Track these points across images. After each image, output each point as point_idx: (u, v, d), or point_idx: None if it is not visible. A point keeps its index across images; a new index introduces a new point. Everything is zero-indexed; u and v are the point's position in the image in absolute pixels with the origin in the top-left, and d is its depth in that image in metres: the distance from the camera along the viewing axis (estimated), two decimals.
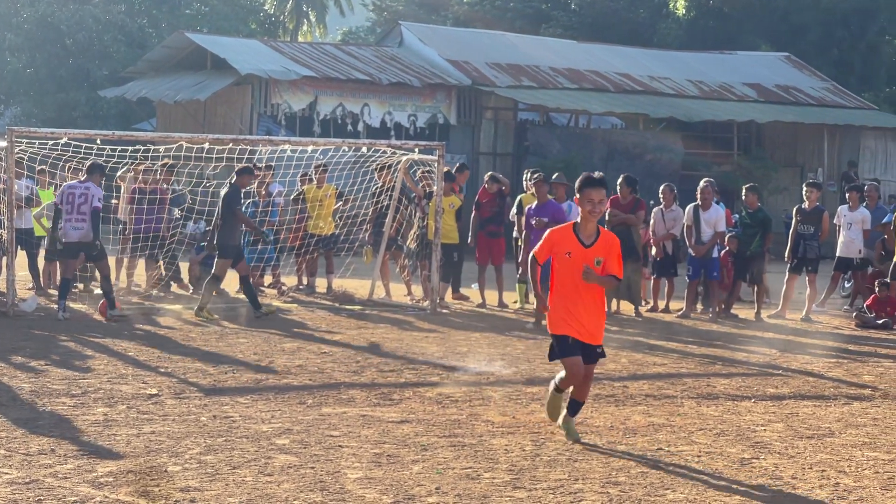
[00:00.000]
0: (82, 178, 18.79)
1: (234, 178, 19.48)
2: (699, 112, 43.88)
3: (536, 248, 10.56)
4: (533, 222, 19.58)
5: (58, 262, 19.75)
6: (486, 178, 22.14)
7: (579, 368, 10.40)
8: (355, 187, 23.57)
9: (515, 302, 21.63)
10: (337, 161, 23.68)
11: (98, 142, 20.20)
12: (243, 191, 19.87)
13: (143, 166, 21.43)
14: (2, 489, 8.34)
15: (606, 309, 20.46)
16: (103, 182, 19.14)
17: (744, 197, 21.74)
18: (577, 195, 10.22)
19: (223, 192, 19.43)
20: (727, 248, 21.81)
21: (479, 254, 21.88)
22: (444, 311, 20.66)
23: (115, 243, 22.20)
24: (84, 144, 20.16)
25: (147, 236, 21.10)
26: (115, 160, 20.96)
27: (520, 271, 21.39)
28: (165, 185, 21.77)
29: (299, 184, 23.12)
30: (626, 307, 21.15)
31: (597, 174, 10.34)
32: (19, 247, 19.89)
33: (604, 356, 10.86)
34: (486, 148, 41.92)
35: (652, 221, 21.86)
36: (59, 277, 19.47)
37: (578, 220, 10.31)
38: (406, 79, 40.65)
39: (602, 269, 10.23)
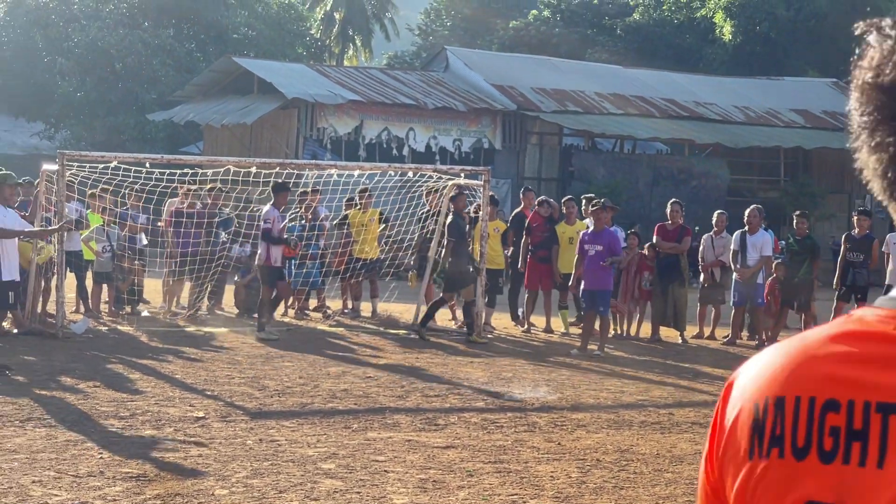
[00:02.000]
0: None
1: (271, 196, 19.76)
2: (745, 138, 43.76)
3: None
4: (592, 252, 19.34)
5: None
6: (536, 202, 22.09)
7: None
8: (401, 212, 23.62)
9: (568, 326, 21.64)
10: (383, 186, 23.75)
11: (147, 165, 20.37)
12: (282, 209, 19.91)
13: (184, 189, 21.56)
14: None
15: (653, 336, 20.51)
16: (286, 201, 19.75)
17: (794, 223, 21.64)
18: None
19: (447, 221, 19.89)
20: (774, 274, 21.71)
21: (528, 279, 21.81)
22: (489, 335, 20.64)
23: (162, 266, 22.36)
24: (133, 168, 20.34)
25: (191, 259, 21.19)
26: (163, 184, 21.12)
27: (560, 298, 21.52)
28: (214, 209, 21.88)
29: (345, 209, 23.19)
30: (671, 333, 21.07)
31: None
32: (68, 269, 20.05)
33: None
34: (530, 173, 41.96)
35: (701, 247, 21.78)
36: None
37: None
38: (451, 103, 40.77)
39: None
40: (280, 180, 20.52)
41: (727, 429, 1.81)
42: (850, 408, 1.65)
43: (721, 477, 1.82)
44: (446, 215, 21.69)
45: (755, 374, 1.80)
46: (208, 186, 21.98)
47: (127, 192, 21.29)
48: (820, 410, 1.68)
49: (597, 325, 18.86)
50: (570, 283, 20.04)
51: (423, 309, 21.96)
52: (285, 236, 19.80)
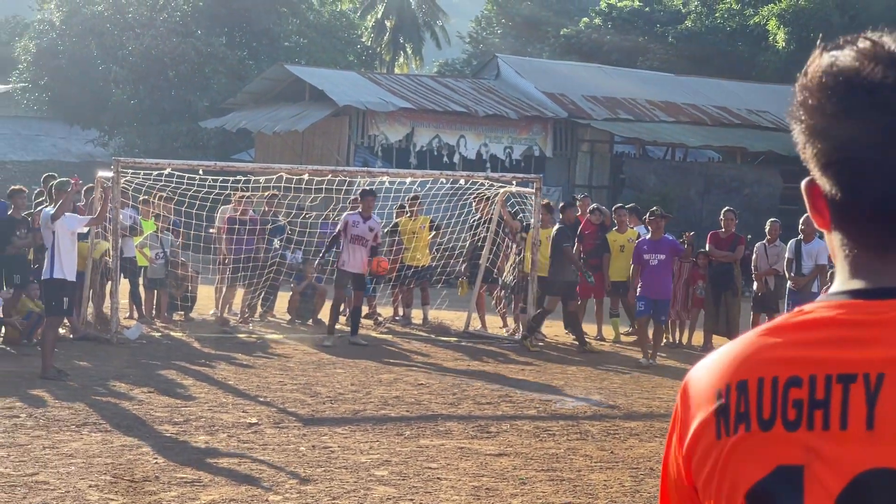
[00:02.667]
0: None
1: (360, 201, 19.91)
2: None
3: None
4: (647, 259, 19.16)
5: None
6: (588, 210, 22.01)
7: None
8: (452, 220, 23.62)
9: (624, 333, 21.59)
10: (434, 193, 23.77)
11: (200, 172, 20.50)
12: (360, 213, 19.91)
13: (237, 196, 21.67)
14: None
15: (705, 344, 20.38)
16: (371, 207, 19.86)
17: None
18: None
19: (553, 231, 19.86)
20: (829, 283, 21.53)
21: (580, 287, 21.73)
22: (540, 343, 20.61)
23: (215, 272, 22.48)
24: (186, 175, 20.47)
25: (245, 266, 21.30)
26: (216, 191, 21.25)
27: (611, 305, 21.53)
28: (269, 215, 21.99)
29: (395, 216, 23.21)
30: (723, 342, 20.90)
31: None
32: (122, 275, 20.19)
33: None
34: (581, 180, 41.89)
35: (755, 256, 21.63)
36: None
37: None
38: (502, 111, 40.77)
39: None
40: (367, 187, 20.64)
41: (691, 422, 1.92)
42: (812, 382, 1.81)
43: (688, 471, 1.93)
44: (498, 223, 21.70)
45: (711, 367, 1.93)
46: (266, 193, 22.10)
47: (157, 196, 21.36)
48: (783, 387, 1.82)
49: (651, 333, 18.74)
50: (629, 292, 19.87)
51: (475, 316, 21.96)
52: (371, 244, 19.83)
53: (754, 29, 56.87)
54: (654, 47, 58.00)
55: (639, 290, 18.66)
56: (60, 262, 14.86)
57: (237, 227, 21.44)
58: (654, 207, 22.15)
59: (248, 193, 21.98)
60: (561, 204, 20.71)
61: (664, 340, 21.00)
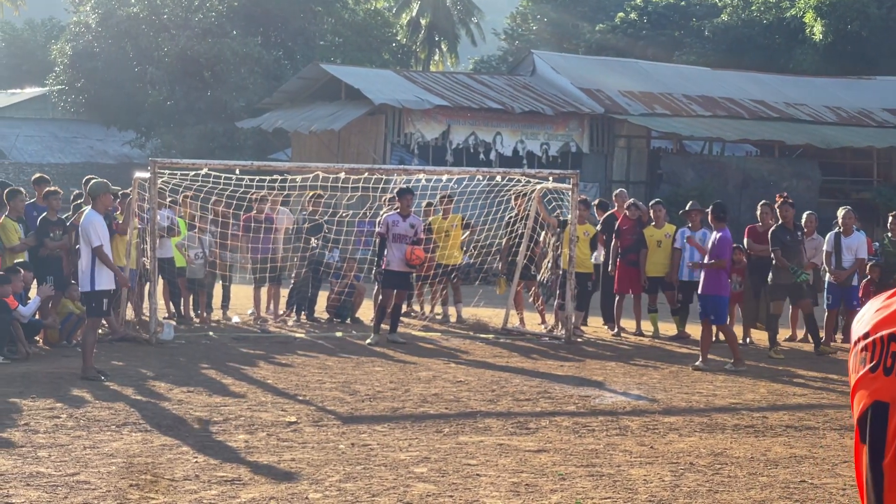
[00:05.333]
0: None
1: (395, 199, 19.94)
2: (837, 138, 43.22)
3: None
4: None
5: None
6: (625, 205, 21.94)
7: None
8: (489, 217, 23.58)
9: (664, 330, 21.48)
10: (471, 190, 23.73)
11: (237, 172, 20.54)
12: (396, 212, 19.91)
13: (258, 196, 21.63)
14: None
15: (744, 338, 20.23)
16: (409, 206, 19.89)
17: (889, 224, 21.23)
18: None
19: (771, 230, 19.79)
20: (868, 276, 21.36)
21: (618, 282, 21.66)
22: (579, 339, 20.56)
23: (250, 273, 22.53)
24: (223, 175, 20.52)
25: (265, 265, 21.30)
26: (253, 190, 21.30)
27: (650, 301, 21.40)
28: (314, 216, 22.00)
29: (423, 214, 23.08)
30: (762, 336, 20.74)
31: None
32: (160, 276, 20.26)
33: None
34: (618, 176, 41.78)
35: None
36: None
37: None
38: (538, 107, 40.71)
39: None
40: (404, 185, 20.63)
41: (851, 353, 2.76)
42: None
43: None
44: (535, 219, 21.65)
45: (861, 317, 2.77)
46: (310, 194, 22.11)
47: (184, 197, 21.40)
48: (888, 340, 2.62)
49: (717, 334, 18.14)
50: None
51: (513, 313, 21.91)
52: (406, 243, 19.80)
53: (791, 21, 56.54)
54: (691, 42, 57.78)
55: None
56: (101, 274, 14.90)
57: (257, 226, 21.46)
58: (691, 202, 22.04)
59: (272, 193, 21.99)
60: (772, 203, 20.09)
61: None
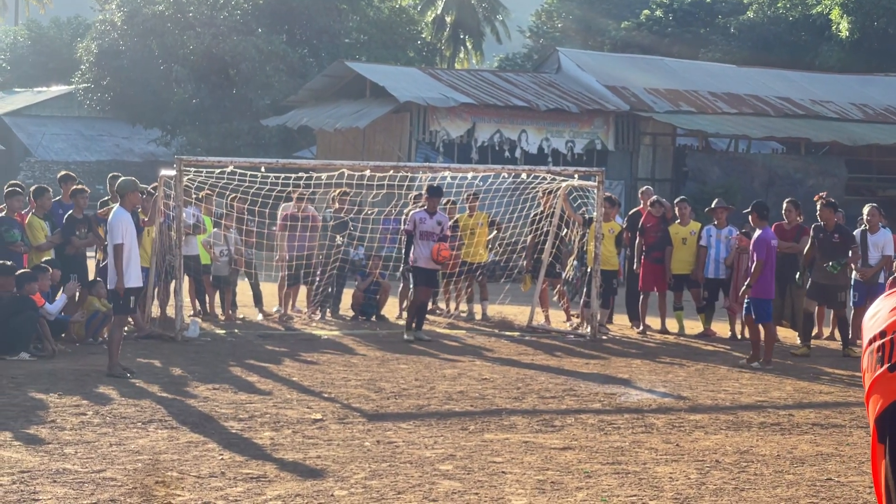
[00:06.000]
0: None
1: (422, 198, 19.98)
2: (863, 136, 43.02)
3: None
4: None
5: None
6: (649, 202, 21.89)
7: None
8: (515, 214, 23.55)
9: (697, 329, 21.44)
10: (497, 188, 23.71)
11: (262, 170, 20.57)
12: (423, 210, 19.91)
13: (297, 193, 21.73)
14: None
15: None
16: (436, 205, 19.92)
17: None
18: None
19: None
20: (895, 274, 21.24)
21: (642, 280, 21.62)
22: (604, 337, 20.53)
23: (278, 270, 22.58)
24: (249, 172, 20.55)
25: (301, 263, 21.36)
26: (278, 188, 21.34)
27: (675, 299, 21.28)
28: (340, 213, 22.05)
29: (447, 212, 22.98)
30: (788, 334, 20.67)
31: None
32: (186, 273, 20.31)
33: None
34: (644, 174, 41.67)
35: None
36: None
37: None
38: (564, 105, 40.64)
39: None
40: (434, 184, 20.62)
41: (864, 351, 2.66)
42: None
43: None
44: (560, 217, 21.62)
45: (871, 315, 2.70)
46: (337, 191, 22.16)
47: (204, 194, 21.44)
48: None
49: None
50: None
51: (538, 311, 21.88)
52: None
53: (817, 18, 56.30)
54: (716, 39, 57.61)
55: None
56: (129, 271, 14.94)
57: (298, 223, 21.51)
58: (717, 199, 21.99)
59: (308, 191, 22.03)
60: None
61: (729, 333, 20.92)
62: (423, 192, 20.64)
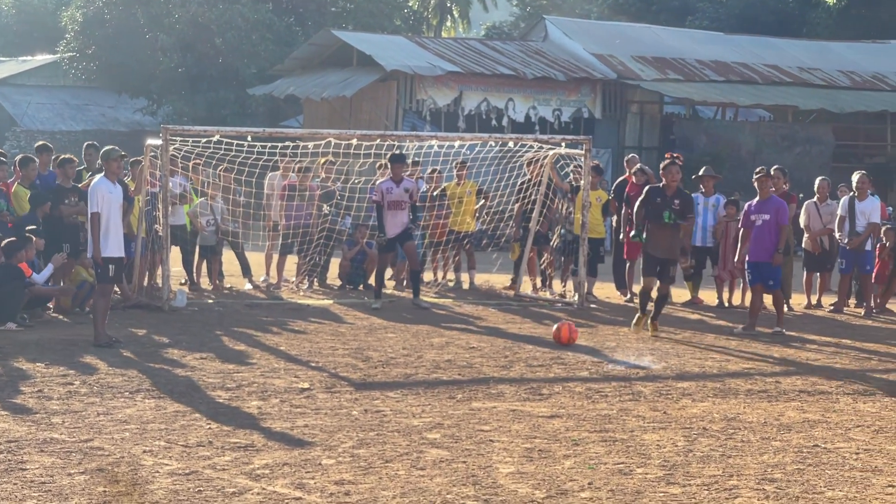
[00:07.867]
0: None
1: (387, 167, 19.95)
2: (851, 103, 43.05)
3: None
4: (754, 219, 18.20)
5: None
6: (632, 170, 21.88)
7: None
8: (502, 182, 23.51)
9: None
10: (484, 156, 23.66)
11: (249, 139, 20.50)
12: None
13: (298, 164, 21.71)
14: (163, 480, 8.52)
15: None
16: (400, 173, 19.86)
17: None
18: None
19: None
20: (882, 241, 21.30)
21: (628, 248, 21.60)
22: (592, 305, 20.55)
23: (265, 239, 22.55)
24: (235, 141, 20.47)
25: (297, 232, 21.37)
26: (265, 157, 21.28)
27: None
28: (327, 182, 22.03)
29: (425, 181, 22.90)
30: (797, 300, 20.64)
31: None
32: (173, 243, 20.25)
33: None
34: (631, 142, 41.66)
35: (805, 216, 21.43)
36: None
37: None
38: (551, 73, 40.58)
39: None
40: (397, 152, 20.58)
41: None
42: None
43: None
44: (548, 185, 21.58)
45: None
46: (322, 160, 22.12)
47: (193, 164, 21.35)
48: None
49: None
50: (736, 258, 18.61)
51: (526, 279, 21.87)
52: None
53: None
54: (704, 6, 57.47)
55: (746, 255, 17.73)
56: (107, 240, 14.86)
57: (295, 193, 21.45)
58: (704, 167, 22.00)
59: (296, 160, 21.97)
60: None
61: (717, 301, 20.96)
62: (386, 160, 20.65)
